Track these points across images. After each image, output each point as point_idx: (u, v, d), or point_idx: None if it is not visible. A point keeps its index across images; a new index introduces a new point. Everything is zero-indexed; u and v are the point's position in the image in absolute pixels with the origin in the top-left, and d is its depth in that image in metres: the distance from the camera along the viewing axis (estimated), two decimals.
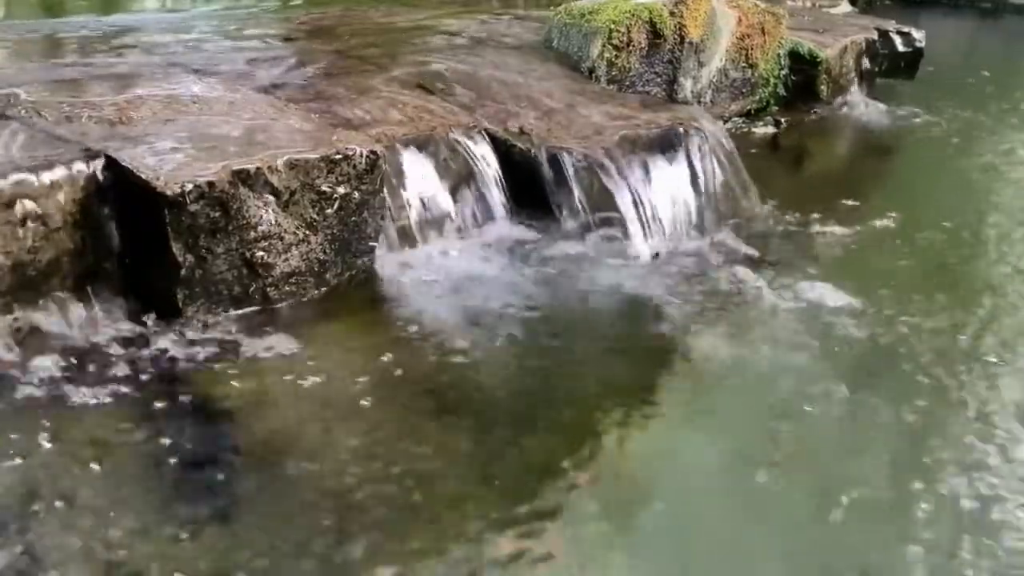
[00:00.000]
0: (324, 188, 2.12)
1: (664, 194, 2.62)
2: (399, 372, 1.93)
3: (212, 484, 1.59)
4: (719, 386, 2.02)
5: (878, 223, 2.84)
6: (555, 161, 2.54)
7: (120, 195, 1.96)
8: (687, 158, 2.71)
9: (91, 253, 1.97)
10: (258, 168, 2.01)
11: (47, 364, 1.82)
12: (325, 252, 2.17)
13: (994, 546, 1.55)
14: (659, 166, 2.65)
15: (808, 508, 1.65)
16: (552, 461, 1.71)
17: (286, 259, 2.10)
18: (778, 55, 3.68)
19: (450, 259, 2.38)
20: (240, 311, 2.05)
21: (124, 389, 1.79)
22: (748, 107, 3.65)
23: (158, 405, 1.76)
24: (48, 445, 1.63)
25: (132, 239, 1.99)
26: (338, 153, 2.14)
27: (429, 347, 2.03)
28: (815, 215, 2.84)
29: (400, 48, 3.25)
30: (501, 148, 2.57)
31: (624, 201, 2.55)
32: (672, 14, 3.25)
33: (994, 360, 2.12)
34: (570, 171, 2.53)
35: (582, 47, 3.23)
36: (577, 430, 1.82)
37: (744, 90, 3.60)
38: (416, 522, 1.54)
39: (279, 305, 2.10)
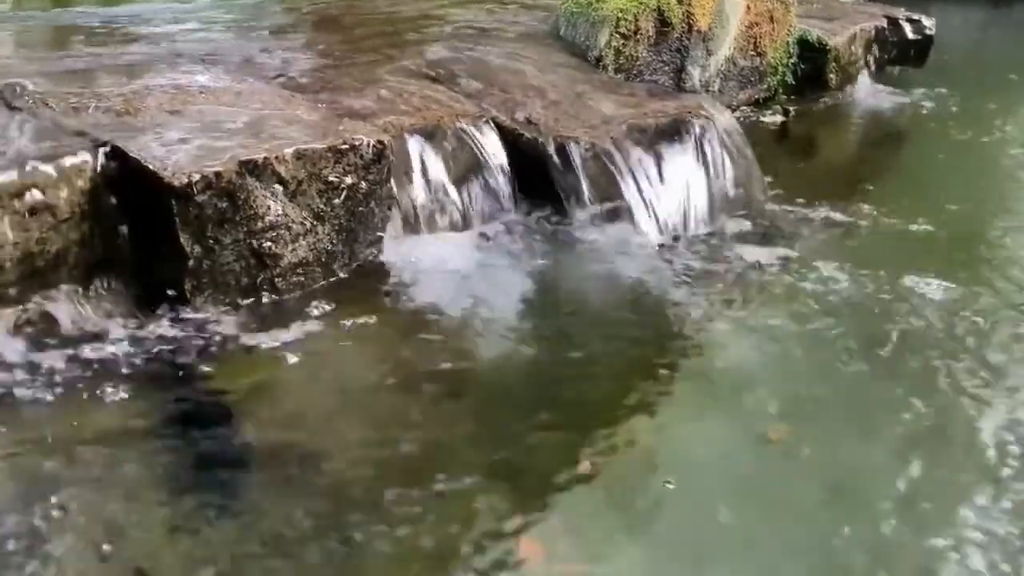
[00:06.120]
0: (331, 178, 2.11)
1: (672, 183, 2.61)
2: (406, 361, 1.93)
3: (220, 473, 1.59)
4: (728, 373, 2.01)
5: (888, 210, 2.82)
6: (563, 151, 2.53)
7: (128, 186, 1.96)
8: (695, 147, 2.69)
9: (99, 244, 1.97)
10: (265, 158, 2.01)
11: (55, 354, 1.82)
12: (332, 242, 2.17)
13: None
14: (667, 155, 2.64)
15: (825, 500, 1.65)
16: (561, 446, 1.71)
17: (293, 249, 2.10)
18: (787, 43, 3.66)
19: (457, 249, 2.37)
20: (248, 301, 2.05)
21: (132, 379, 1.79)
22: (756, 96, 3.63)
23: (166, 395, 1.76)
24: (55, 435, 1.64)
25: (140, 230, 1.99)
26: (345, 143, 2.13)
27: (436, 336, 2.03)
28: (824, 203, 2.83)
29: (406, 38, 3.24)
30: (508, 138, 2.56)
31: (632, 190, 2.54)
32: (680, 2, 3.23)
33: (1009, 342, 2.12)
34: (578, 160, 2.52)
35: (589, 36, 3.22)
36: (585, 416, 1.82)
37: (752, 79, 3.58)
38: (423, 509, 1.54)
39: (287, 295, 2.10)
